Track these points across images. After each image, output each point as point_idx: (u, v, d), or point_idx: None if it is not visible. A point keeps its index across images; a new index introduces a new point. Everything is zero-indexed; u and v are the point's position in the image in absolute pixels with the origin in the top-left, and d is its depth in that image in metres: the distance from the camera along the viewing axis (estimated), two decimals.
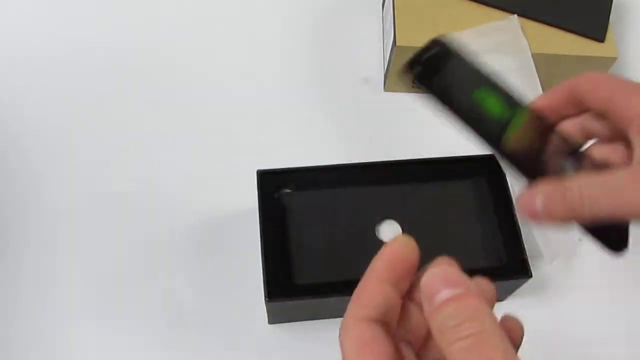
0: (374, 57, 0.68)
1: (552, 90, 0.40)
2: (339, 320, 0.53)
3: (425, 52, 0.41)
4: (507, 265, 0.51)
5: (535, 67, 0.61)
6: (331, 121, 0.64)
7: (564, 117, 0.40)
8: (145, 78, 0.65)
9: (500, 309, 0.56)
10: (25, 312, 0.54)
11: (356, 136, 0.63)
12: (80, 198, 0.59)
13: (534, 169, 0.39)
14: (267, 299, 0.48)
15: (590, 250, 0.57)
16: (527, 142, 0.40)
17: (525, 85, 0.59)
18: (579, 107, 0.39)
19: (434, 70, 0.42)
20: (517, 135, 0.41)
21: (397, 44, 0.61)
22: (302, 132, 0.63)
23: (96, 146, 0.62)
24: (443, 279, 0.29)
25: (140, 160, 0.61)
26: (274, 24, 0.70)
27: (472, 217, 0.53)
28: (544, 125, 0.41)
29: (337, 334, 0.54)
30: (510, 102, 0.41)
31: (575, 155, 0.39)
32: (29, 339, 0.53)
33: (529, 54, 0.61)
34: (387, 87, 0.66)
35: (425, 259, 0.51)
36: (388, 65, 0.65)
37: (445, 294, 0.28)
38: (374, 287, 0.31)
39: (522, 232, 0.51)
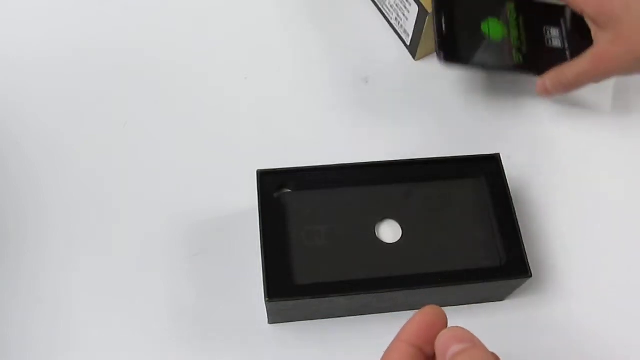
0: (373, 57, 0.68)
1: None
2: (339, 320, 0.54)
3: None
4: (507, 265, 0.51)
5: None
6: (331, 121, 0.64)
7: None
8: (145, 78, 0.65)
9: (500, 309, 0.56)
10: (24, 312, 0.54)
11: (356, 136, 0.63)
12: (79, 198, 0.59)
13: (541, 66, 0.60)
14: (267, 299, 0.48)
15: (591, 250, 0.58)
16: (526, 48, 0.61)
17: None
18: None
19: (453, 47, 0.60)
20: (518, 46, 0.61)
21: (429, 11, 0.61)
22: (302, 132, 0.63)
23: (95, 146, 0.62)
24: (454, 337, 0.33)
25: (140, 160, 0.61)
26: (274, 24, 0.70)
27: (472, 217, 0.53)
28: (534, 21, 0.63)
29: (337, 334, 0.54)
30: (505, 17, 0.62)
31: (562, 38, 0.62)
32: (28, 339, 0.53)
33: None
34: (417, 57, 0.68)
35: (426, 258, 0.51)
36: (412, 39, 0.67)
37: (455, 348, 0.32)
38: (403, 349, 0.35)
39: (522, 232, 0.51)
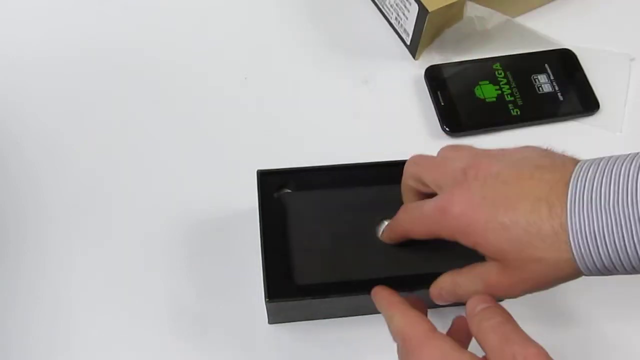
0: (373, 57, 0.68)
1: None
2: (339, 320, 0.54)
3: None
4: None
5: None
6: (331, 121, 0.64)
7: None
8: (145, 78, 0.65)
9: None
10: (24, 312, 0.54)
11: (356, 136, 0.63)
12: (79, 198, 0.59)
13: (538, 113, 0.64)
14: (267, 299, 0.48)
15: None
16: None
17: None
18: None
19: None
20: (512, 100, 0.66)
21: (430, 10, 0.62)
22: (302, 132, 0.63)
23: (95, 146, 0.62)
24: (481, 299, 0.41)
25: (140, 160, 0.61)
26: (274, 24, 0.70)
27: None
28: None
29: (337, 334, 0.54)
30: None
31: None
32: (28, 339, 0.53)
33: None
34: (417, 57, 0.68)
35: (426, 258, 0.51)
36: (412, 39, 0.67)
37: (482, 305, 0.41)
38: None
39: None
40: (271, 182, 0.52)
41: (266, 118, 0.64)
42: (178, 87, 0.65)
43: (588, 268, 0.39)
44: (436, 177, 0.45)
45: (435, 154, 0.47)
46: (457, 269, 0.46)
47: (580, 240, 0.38)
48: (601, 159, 0.39)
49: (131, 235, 0.57)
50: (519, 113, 0.64)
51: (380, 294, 0.47)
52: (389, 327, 0.44)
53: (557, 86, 0.66)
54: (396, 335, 0.43)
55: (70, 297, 0.55)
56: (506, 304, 0.42)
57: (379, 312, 0.54)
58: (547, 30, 0.68)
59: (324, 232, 0.52)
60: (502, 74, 0.66)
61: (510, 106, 0.65)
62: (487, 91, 0.65)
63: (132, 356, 0.53)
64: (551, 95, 0.66)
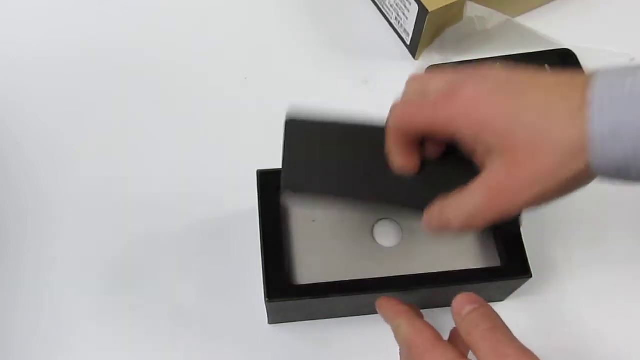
0: (373, 57, 0.68)
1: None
2: (339, 320, 0.54)
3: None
4: (507, 265, 0.51)
5: None
6: None
7: None
8: (145, 78, 0.65)
9: (501, 310, 0.56)
10: (24, 312, 0.54)
11: None
12: (79, 197, 0.59)
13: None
14: (267, 299, 0.48)
15: (592, 251, 0.58)
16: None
17: None
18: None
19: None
20: None
21: (430, 10, 0.62)
22: None
23: (95, 146, 0.62)
24: (466, 299, 0.40)
25: (140, 160, 0.61)
26: (274, 24, 0.70)
27: None
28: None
29: (338, 334, 0.54)
30: None
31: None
32: (28, 339, 0.53)
33: None
34: (417, 57, 0.68)
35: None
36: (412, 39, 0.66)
37: (468, 307, 0.40)
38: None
39: (522, 232, 0.51)
40: (271, 182, 0.52)
41: (266, 118, 0.64)
42: (178, 87, 0.65)
43: (603, 164, 0.34)
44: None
45: None
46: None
47: (599, 124, 0.34)
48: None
49: (131, 234, 0.57)
50: None
51: (386, 305, 0.46)
52: (396, 336, 0.44)
53: None
54: (403, 343, 0.43)
55: (70, 296, 0.55)
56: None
57: (378, 312, 0.54)
58: (547, 30, 0.68)
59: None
60: None
61: None
62: None
63: (133, 356, 0.53)
64: None
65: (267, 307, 0.50)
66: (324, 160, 0.46)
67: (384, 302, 0.47)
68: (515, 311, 0.55)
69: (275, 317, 0.53)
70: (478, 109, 0.37)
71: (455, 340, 0.44)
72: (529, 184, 0.36)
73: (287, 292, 0.49)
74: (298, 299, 0.49)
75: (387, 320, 0.46)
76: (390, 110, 0.43)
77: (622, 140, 0.33)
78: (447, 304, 0.52)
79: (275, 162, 0.53)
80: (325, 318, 0.54)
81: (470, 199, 0.39)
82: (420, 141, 0.43)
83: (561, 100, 0.35)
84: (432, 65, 0.66)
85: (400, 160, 0.43)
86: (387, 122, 0.43)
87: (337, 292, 0.49)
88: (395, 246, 0.51)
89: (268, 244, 0.50)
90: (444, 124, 0.39)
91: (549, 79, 0.37)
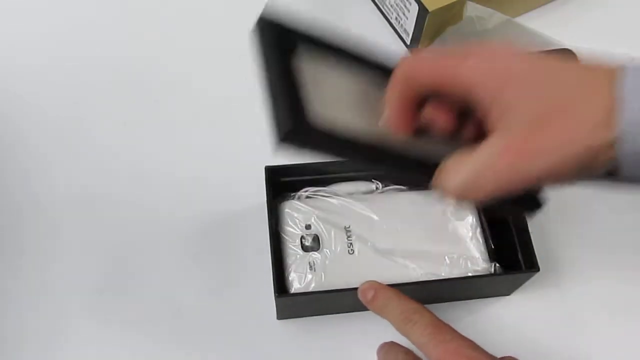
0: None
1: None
2: (348, 315, 0.54)
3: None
4: (515, 259, 0.51)
5: None
6: None
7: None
8: (150, 76, 0.65)
9: (507, 304, 0.56)
10: (24, 311, 0.54)
11: None
12: (79, 197, 0.59)
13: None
14: (276, 295, 0.48)
15: (599, 245, 0.58)
16: None
17: None
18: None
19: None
20: None
21: (430, 10, 0.62)
22: None
23: (95, 145, 0.61)
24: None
25: (147, 158, 0.61)
26: None
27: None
28: None
29: (346, 329, 0.54)
30: None
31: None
32: (27, 340, 0.53)
33: None
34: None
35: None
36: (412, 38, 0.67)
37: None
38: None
39: (529, 226, 0.52)
40: (280, 178, 0.53)
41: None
42: (184, 84, 0.65)
43: (630, 140, 0.31)
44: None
45: None
46: None
47: (631, 95, 0.31)
48: None
49: (138, 232, 0.57)
50: None
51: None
52: (415, 326, 0.44)
53: None
54: (427, 327, 0.44)
55: (70, 296, 0.54)
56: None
57: None
58: (547, 30, 0.68)
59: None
60: None
61: None
62: None
63: (133, 357, 0.53)
64: None
65: (276, 303, 0.50)
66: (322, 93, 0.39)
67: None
68: (522, 306, 0.55)
69: (283, 313, 0.53)
70: (494, 68, 0.34)
71: None
72: (552, 148, 0.33)
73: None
74: (307, 294, 0.49)
75: (396, 312, 0.46)
76: (401, 60, 0.38)
77: None
78: (454, 298, 0.53)
79: (283, 158, 0.53)
80: (334, 313, 0.54)
81: (482, 156, 0.35)
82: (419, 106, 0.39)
83: (596, 69, 0.33)
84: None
85: (396, 117, 0.38)
86: (394, 70, 0.38)
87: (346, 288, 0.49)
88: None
89: (277, 240, 0.50)
90: (463, 76, 0.35)
91: (578, 64, 0.35)
